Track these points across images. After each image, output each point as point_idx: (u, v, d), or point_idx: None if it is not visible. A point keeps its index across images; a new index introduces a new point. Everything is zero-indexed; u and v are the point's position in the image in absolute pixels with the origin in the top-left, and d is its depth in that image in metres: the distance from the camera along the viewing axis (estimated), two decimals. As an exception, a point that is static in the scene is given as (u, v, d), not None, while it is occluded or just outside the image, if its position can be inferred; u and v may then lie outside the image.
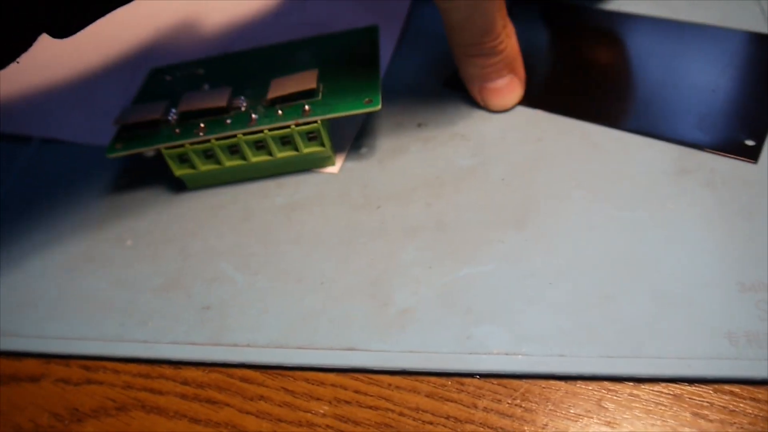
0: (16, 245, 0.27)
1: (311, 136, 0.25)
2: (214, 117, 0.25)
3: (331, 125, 0.26)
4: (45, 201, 0.29)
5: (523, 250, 0.22)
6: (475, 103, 0.27)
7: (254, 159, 0.25)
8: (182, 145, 0.25)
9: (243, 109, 0.25)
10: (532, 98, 0.27)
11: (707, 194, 0.22)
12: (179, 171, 0.26)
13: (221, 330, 0.22)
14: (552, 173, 0.24)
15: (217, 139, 0.24)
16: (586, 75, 0.27)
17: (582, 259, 0.21)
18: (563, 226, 0.22)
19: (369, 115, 0.28)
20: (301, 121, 0.24)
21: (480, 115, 0.27)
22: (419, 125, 0.27)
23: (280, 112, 0.24)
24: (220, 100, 0.25)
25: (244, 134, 0.24)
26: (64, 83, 0.33)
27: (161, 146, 0.25)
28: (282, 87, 0.25)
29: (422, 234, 0.23)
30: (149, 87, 0.28)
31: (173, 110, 0.26)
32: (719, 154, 0.23)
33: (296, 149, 0.25)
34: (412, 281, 0.22)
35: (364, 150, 0.26)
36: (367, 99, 0.24)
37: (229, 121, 0.25)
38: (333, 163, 0.26)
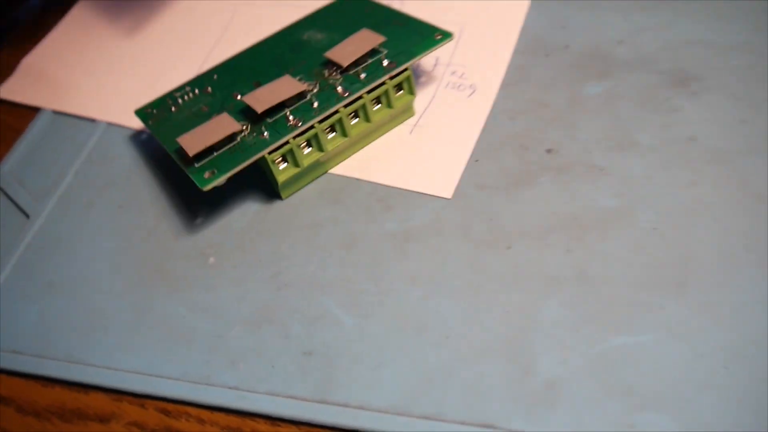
0: (81, 249, 0.23)
1: (399, 88, 0.24)
2: (294, 105, 0.23)
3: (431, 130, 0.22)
4: (113, 196, 0.25)
5: (688, 321, 0.19)
6: (616, 129, 0.23)
7: (354, 131, 0.23)
8: (286, 142, 0.22)
9: (317, 89, 0.23)
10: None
11: None
12: (283, 175, 0.22)
13: (327, 383, 0.19)
14: (713, 227, 0.21)
15: (320, 121, 0.22)
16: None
17: (761, 338, 0.18)
18: (734, 293, 0.19)
19: (484, 133, 0.24)
20: (393, 72, 0.23)
21: (621, 143, 0.23)
22: (549, 151, 0.23)
23: (363, 75, 0.23)
24: (293, 87, 0.23)
25: (345, 107, 0.22)
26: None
27: (263, 153, 0.21)
28: (349, 51, 0.23)
29: (564, 287, 0.20)
30: (162, 125, 0.25)
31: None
32: None
33: (389, 105, 0.24)
34: (557, 346, 0.19)
35: (483, 175, 0.23)
36: (437, 34, 0.24)
37: (315, 103, 0.22)
38: (413, 113, 0.25)
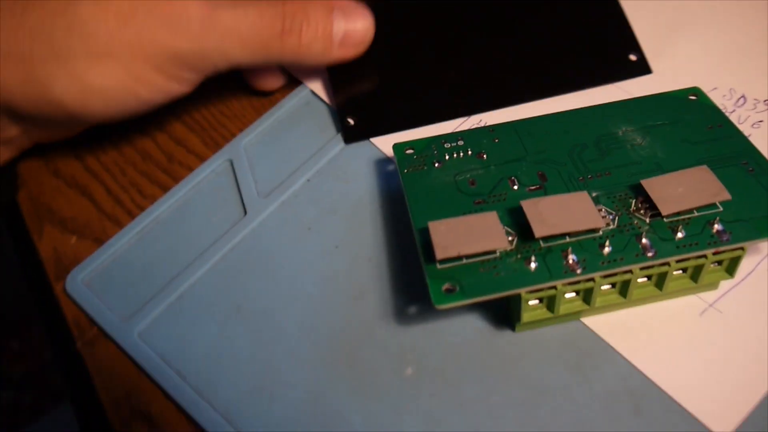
0: (281, 279, 0.21)
1: (727, 267, 0.18)
2: (578, 237, 0.18)
3: None
4: (332, 227, 0.22)
5: None
6: None
7: (636, 295, 0.18)
8: (554, 287, 0.17)
9: (614, 225, 0.18)
10: None
11: None
12: (529, 315, 0.18)
13: None
14: None
15: (604, 276, 0.17)
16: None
17: None
18: None
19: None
20: (722, 249, 0.17)
21: None
22: None
23: (680, 234, 0.18)
24: (589, 217, 0.18)
25: (642, 268, 0.17)
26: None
27: (522, 291, 0.17)
28: (675, 194, 0.18)
29: None
30: (417, 182, 0.20)
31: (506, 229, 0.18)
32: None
33: (694, 278, 0.18)
34: None
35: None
36: None
37: (607, 247, 0.17)
38: (716, 287, 0.19)
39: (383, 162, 0.24)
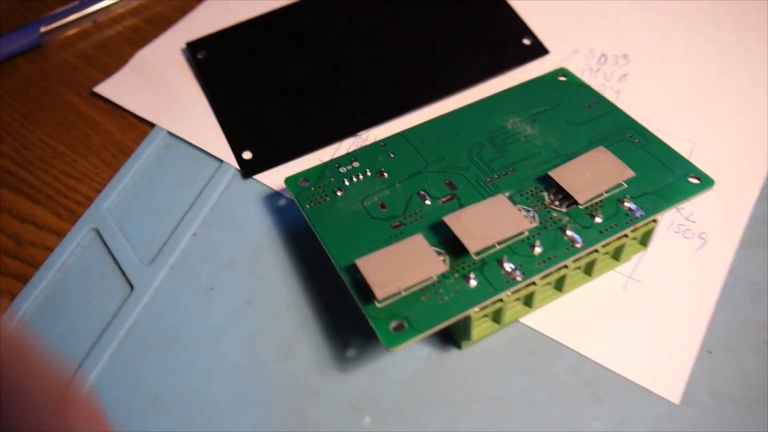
0: (198, 352, 0.19)
1: (641, 240, 0.19)
2: (507, 243, 0.18)
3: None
4: (239, 280, 0.20)
5: None
6: None
7: (571, 287, 0.19)
8: (500, 300, 0.17)
9: (537, 223, 0.18)
10: None
11: None
12: (478, 333, 0.18)
13: None
14: None
15: (543, 277, 0.17)
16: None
17: None
18: None
19: (718, 309, 0.19)
20: (639, 225, 0.18)
21: None
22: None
23: (598, 219, 0.18)
24: (515, 222, 0.17)
25: (575, 260, 0.18)
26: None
27: (471, 312, 0.16)
28: (585, 182, 0.18)
29: None
30: (324, 217, 0.19)
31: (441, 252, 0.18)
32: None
33: (616, 257, 0.19)
34: None
35: (719, 377, 0.18)
36: (694, 177, 0.19)
37: (538, 247, 0.17)
38: (629, 258, 0.20)
39: (272, 197, 0.22)
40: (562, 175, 0.18)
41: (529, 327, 0.19)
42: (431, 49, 0.25)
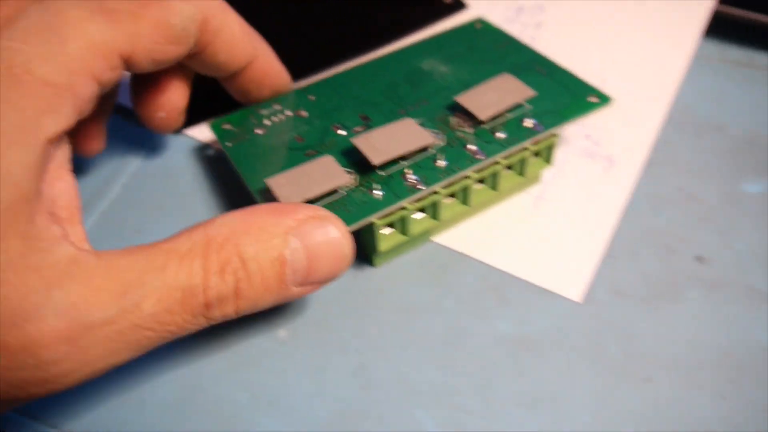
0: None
1: (543, 155, 0.20)
2: (414, 159, 0.18)
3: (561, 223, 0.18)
4: (163, 222, 0.21)
5: None
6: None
7: (476, 200, 0.19)
8: (402, 207, 0.18)
9: (444, 143, 0.19)
10: None
11: None
12: (386, 243, 0.18)
13: None
14: None
15: (445, 186, 0.18)
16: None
17: None
18: None
19: (622, 221, 0.20)
20: (539, 138, 0.19)
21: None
22: (699, 259, 0.19)
23: (500, 134, 0.19)
24: (419, 137, 0.18)
25: (476, 171, 0.19)
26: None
27: (373, 218, 0.17)
28: (488, 101, 0.19)
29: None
30: (244, 151, 0.20)
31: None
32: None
33: (521, 173, 0.20)
34: None
35: (619, 278, 0.19)
36: (592, 96, 0.20)
37: (442, 161, 0.18)
38: (539, 181, 0.21)
39: (202, 149, 0.23)
40: (466, 98, 0.20)
41: (442, 245, 0.20)
42: (354, 7, 0.26)
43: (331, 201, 0.18)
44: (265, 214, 0.15)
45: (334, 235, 0.15)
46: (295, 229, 0.15)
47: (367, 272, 0.19)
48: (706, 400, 0.17)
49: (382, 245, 0.18)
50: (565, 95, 0.20)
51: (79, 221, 0.15)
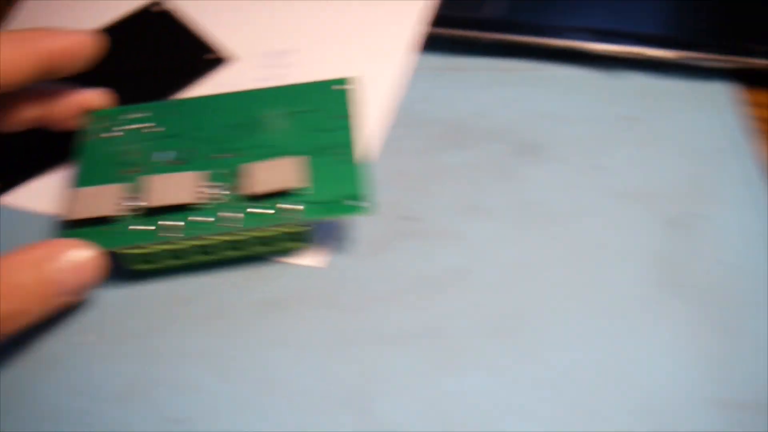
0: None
1: (295, 237, 0.23)
2: (182, 211, 0.22)
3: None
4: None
5: (519, 364, 0.21)
6: (468, 195, 0.26)
7: (227, 253, 0.23)
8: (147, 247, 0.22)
9: (212, 202, 0.22)
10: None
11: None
12: (139, 266, 0.23)
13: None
14: (543, 281, 0.23)
15: (191, 240, 0.22)
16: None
17: (582, 375, 0.21)
18: (559, 338, 0.22)
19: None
20: (290, 229, 0.22)
21: (471, 208, 0.25)
22: (405, 218, 0.25)
23: (260, 210, 0.22)
24: (188, 193, 0.22)
25: (222, 236, 0.22)
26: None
27: (124, 249, 0.22)
28: (259, 180, 0.22)
29: (414, 342, 0.22)
30: (93, 148, 0.24)
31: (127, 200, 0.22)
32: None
33: (269, 246, 0.23)
34: (401, 393, 0.21)
35: (349, 241, 0.25)
36: (359, 201, 0.22)
37: (196, 217, 0.22)
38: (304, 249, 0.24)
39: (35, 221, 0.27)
40: (248, 168, 0.22)
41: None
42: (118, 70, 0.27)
43: (101, 225, 0.22)
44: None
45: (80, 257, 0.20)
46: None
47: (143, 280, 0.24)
48: (406, 313, 0.22)
49: (135, 266, 0.23)
50: (337, 192, 0.22)
51: None
